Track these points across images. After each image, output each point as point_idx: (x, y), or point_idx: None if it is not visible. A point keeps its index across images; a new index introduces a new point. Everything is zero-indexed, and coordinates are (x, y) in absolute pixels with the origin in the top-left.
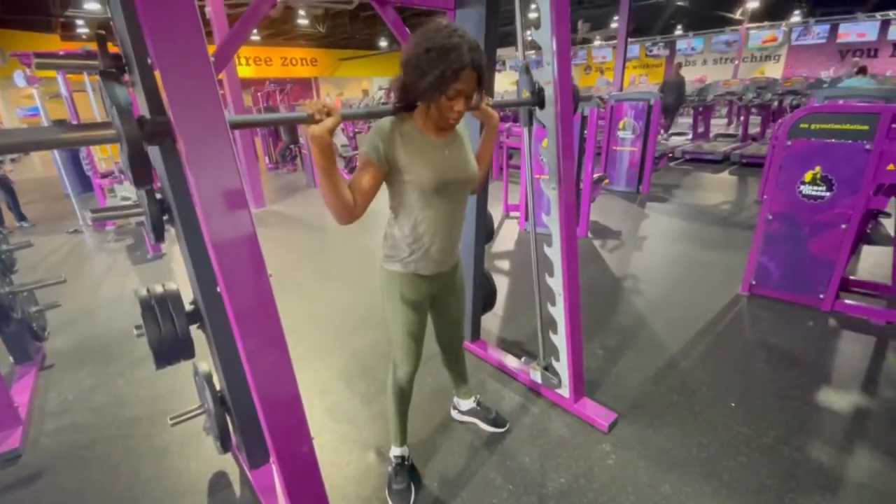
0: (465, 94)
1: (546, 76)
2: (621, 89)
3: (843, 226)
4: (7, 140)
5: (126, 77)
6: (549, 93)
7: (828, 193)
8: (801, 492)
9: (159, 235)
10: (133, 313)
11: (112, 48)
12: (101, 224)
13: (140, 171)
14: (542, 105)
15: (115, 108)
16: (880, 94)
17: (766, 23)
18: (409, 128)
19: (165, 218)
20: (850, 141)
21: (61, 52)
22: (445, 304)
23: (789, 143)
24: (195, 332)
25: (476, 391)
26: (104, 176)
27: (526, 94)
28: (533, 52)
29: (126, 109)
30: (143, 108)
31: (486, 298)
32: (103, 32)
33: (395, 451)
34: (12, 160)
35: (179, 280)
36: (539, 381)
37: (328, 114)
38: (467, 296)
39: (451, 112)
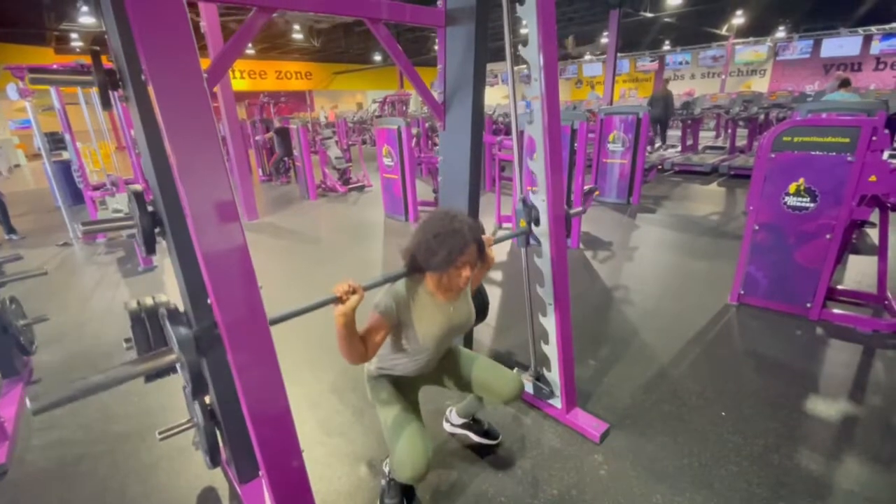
0: (470, 263)
1: (534, 91)
2: (611, 103)
3: (828, 236)
4: (92, 384)
5: (120, 92)
6: (537, 108)
7: (812, 204)
8: (791, 499)
9: (150, 248)
10: (123, 326)
11: (106, 62)
12: (91, 236)
13: (199, 385)
14: (537, 224)
15: (177, 344)
16: (862, 108)
17: (751, 38)
18: (420, 291)
19: (157, 230)
20: (832, 153)
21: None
22: (454, 367)
23: (773, 155)
24: None
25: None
26: (96, 188)
27: (523, 224)
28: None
29: (187, 344)
30: (136, 124)
31: (478, 310)
32: (98, 48)
33: (388, 465)
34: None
35: (170, 293)
36: (531, 391)
37: (353, 292)
38: None
39: (460, 279)
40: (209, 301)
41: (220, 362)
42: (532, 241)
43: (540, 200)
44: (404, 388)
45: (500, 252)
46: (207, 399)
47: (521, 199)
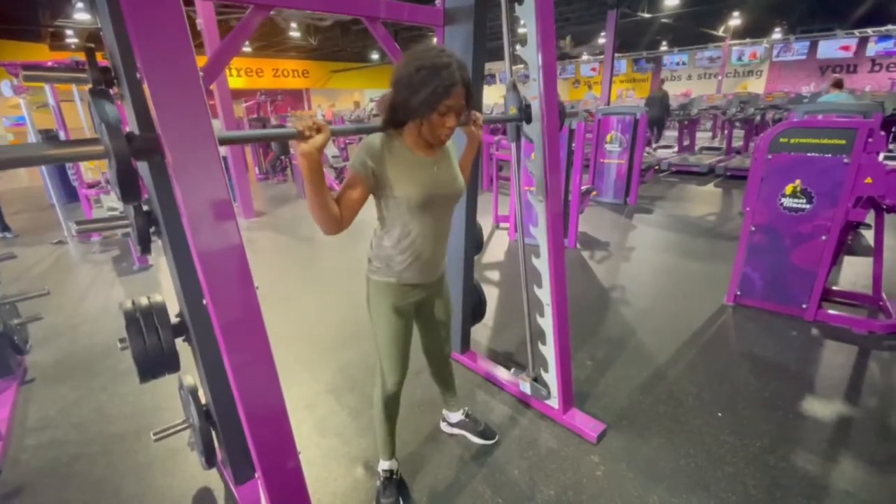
0: (455, 110)
1: (532, 91)
2: (608, 103)
3: (824, 237)
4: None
5: (115, 90)
6: (536, 108)
7: (808, 206)
8: (787, 501)
9: (146, 247)
10: (118, 326)
11: (101, 59)
12: (86, 235)
13: (129, 188)
14: (528, 120)
15: (103, 125)
16: (858, 109)
17: (747, 39)
18: (398, 145)
19: (152, 230)
20: (828, 155)
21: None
22: (432, 314)
23: (769, 156)
24: (180, 345)
25: (465, 403)
26: (91, 186)
27: (513, 111)
28: (522, 65)
29: (114, 126)
30: (131, 121)
31: (475, 309)
32: (92, 45)
33: (384, 465)
34: None
35: (166, 292)
36: (528, 392)
37: (318, 130)
38: (457, 307)
39: (442, 128)
40: (205, 301)
41: (214, 361)
42: (529, 239)
43: (538, 201)
44: (397, 301)
45: (497, 252)
46: (202, 398)
47: (511, 83)
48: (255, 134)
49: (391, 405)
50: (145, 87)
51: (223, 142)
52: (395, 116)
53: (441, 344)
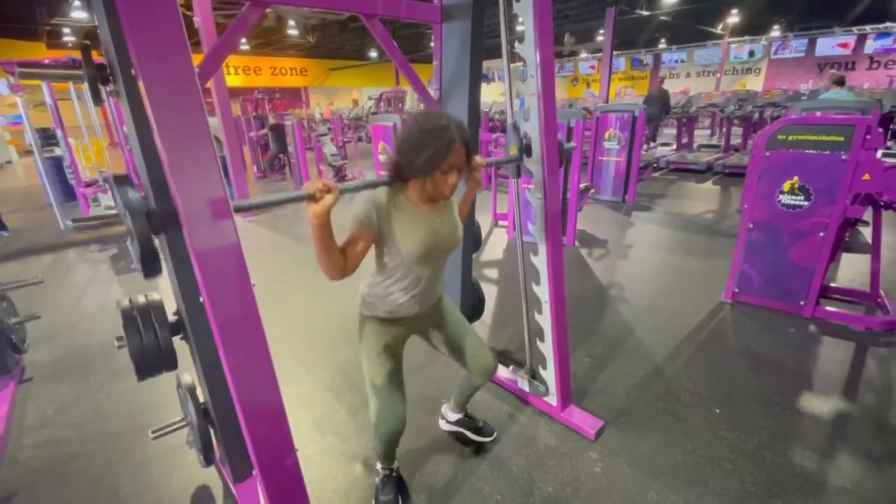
0: (456, 167)
1: (530, 88)
2: (607, 101)
3: (822, 234)
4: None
5: (111, 87)
6: (533, 106)
7: (806, 203)
8: (785, 497)
9: None
10: (115, 325)
11: (97, 57)
12: None
13: (150, 264)
14: (528, 154)
15: (127, 212)
16: (856, 106)
17: (746, 37)
18: (402, 199)
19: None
20: (826, 152)
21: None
22: (443, 329)
23: (767, 153)
24: (178, 344)
25: None
26: (88, 185)
27: (514, 150)
28: (521, 63)
29: (138, 211)
30: (127, 120)
31: (474, 307)
32: (88, 42)
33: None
34: None
35: (163, 291)
36: (527, 389)
37: (328, 192)
38: (456, 304)
39: (445, 185)
40: (202, 299)
41: (212, 360)
42: (527, 237)
43: (536, 198)
44: (392, 340)
45: (495, 250)
46: (200, 396)
47: (512, 124)
48: (271, 200)
49: (389, 445)
50: (140, 84)
51: (238, 209)
52: (401, 175)
53: (479, 350)
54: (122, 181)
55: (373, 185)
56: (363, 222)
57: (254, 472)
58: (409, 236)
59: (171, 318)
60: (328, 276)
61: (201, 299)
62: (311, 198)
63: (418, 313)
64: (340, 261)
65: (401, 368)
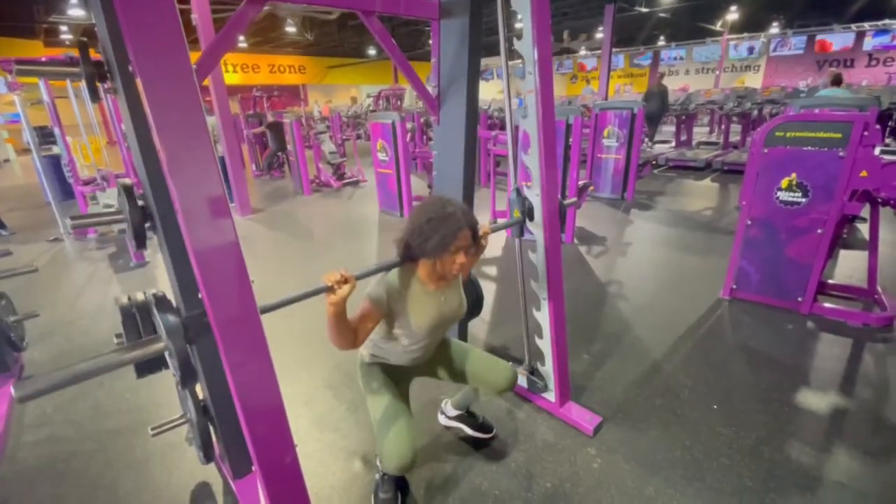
0: (464, 248)
1: (528, 85)
2: (606, 98)
3: (819, 231)
4: (78, 371)
5: (108, 84)
6: (531, 102)
7: (804, 199)
8: (782, 492)
9: (141, 243)
10: (114, 323)
11: (95, 55)
12: (82, 232)
13: (188, 374)
14: (531, 219)
15: (167, 334)
16: (854, 103)
17: (745, 34)
18: (412, 281)
19: (147, 225)
20: (824, 148)
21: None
22: (448, 362)
23: (766, 150)
24: None
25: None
26: (86, 183)
27: (517, 214)
28: (519, 60)
29: (176, 332)
30: (125, 117)
31: (472, 304)
32: (85, 39)
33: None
34: None
35: (162, 288)
36: (525, 385)
37: (345, 282)
38: None
39: (454, 265)
40: (200, 296)
41: (212, 357)
42: (526, 234)
43: (534, 195)
44: (396, 379)
45: (494, 247)
46: (200, 393)
47: (515, 190)
48: (294, 297)
49: (398, 474)
50: (138, 81)
51: (264, 311)
52: (411, 255)
53: (496, 368)
54: (161, 305)
55: (386, 268)
56: (374, 303)
57: (253, 469)
58: (418, 315)
59: None
60: (338, 348)
61: (200, 296)
62: (330, 290)
63: (421, 364)
64: (351, 336)
65: (407, 408)
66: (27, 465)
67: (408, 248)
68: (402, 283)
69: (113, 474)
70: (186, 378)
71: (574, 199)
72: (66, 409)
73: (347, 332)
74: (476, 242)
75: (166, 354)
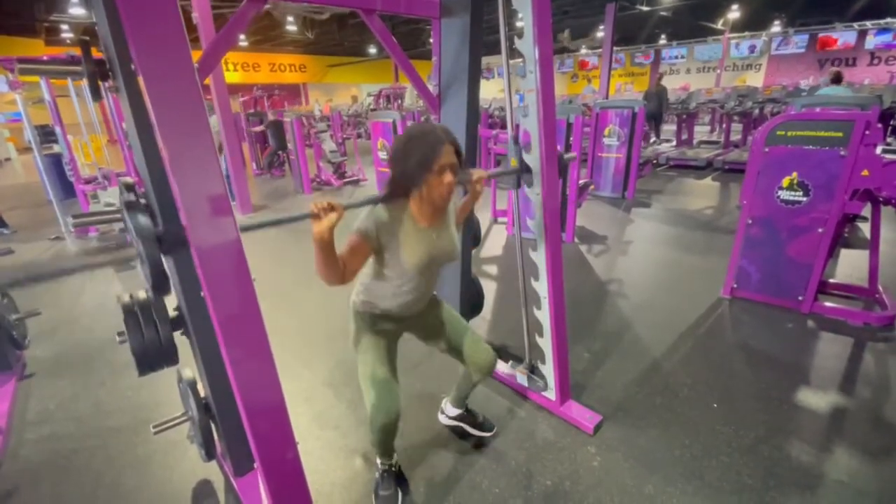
0: (448, 166)
1: (529, 84)
2: (607, 97)
3: (820, 230)
4: None
5: (110, 82)
6: (532, 100)
7: (805, 198)
8: (782, 490)
9: None
10: (115, 321)
11: (96, 53)
12: (83, 230)
13: (160, 281)
14: (528, 172)
15: (139, 238)
16: (856, 102)
17: (746, 33)
18: (403, 215)
19: None
20: (825, 147)
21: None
22: (438, 325)
23: (767, 149)
24: (179, 339)
25: None
26: (87, 182)
27: (514, 162)
28: (520, 59)
29: (148, 237)
30: (126, 115)
31: (473, 303)
32: (87, 38)
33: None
34: None
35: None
36: (525, 384)
37: (331, 210)
38: (455, 301)
39: (441, 186)
40: (202, 294)
41: (214, 355)
42: (526, 233)
43: (535, 194)
44: (386, 333)
45: (495, 247)
46: (201, 391)
47: (513, 137)
48: (277, 219)
49: (386, 437)
50: (140, 79)
51: (244, 230)
52: (398, 188)
53: (478, 349)
54: (132, 206)
55: (375, 201)
56: (363, 236)
57: (255, 466)
58: (407, 251)
59: (172, 313)
60: (326, 282)
61: (202, 294)
62: (316, 216)
63: (411, 314)
64: (339, 270)
65: (394, 363)
66: (29, 461)
67: (395, 181)
68: (391, 216)
69: (115, 472)
70: (158, 287)
71: (573, 154)
72: (68, 407)
73: (335, 264)
74: (460, 161)
75: (139, 264)
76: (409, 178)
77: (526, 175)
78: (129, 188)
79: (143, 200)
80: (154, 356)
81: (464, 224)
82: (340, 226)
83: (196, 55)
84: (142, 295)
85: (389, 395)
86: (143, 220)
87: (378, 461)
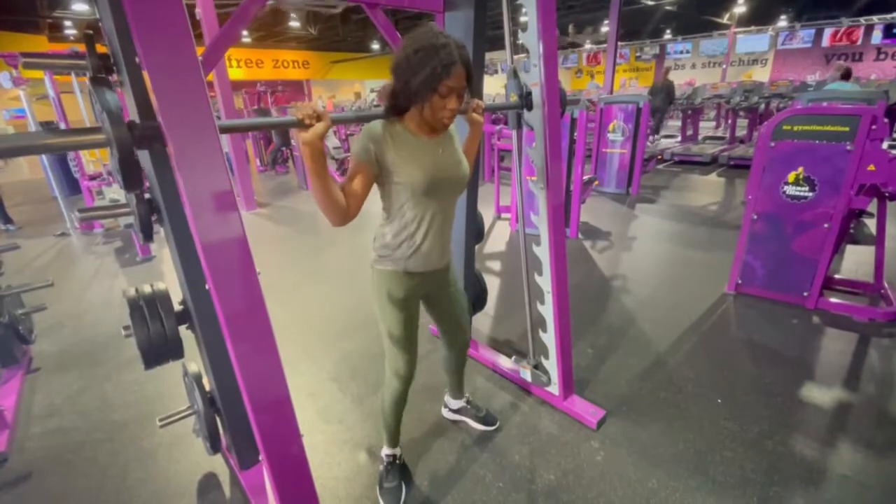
0: (456, 90)
1: (533, 78)
2: (611, 92)
3: (826, 225)
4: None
5: (114, 77)
6: (537, 95)
7: (811, 194)
8: (785, 485)
9: (148, 236)
10: (121, 316)
11: (100, 48)
12: (89, 226)
13: (131, 176)
14: (529, 107)
15: (105, 114)
16: (862, 97)
17: (752, 27)
18: (400, 129)
19: (154, 218)
20: (832, 142)
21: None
22: (442, 303)
23: (772, 144)
24: (184, 333)
25: (467, 390)
26: (92, 178)
27: (514, 98)
28: (524, 55)
29: (116, 114)
30: (131, 109)
31: (476, 298)
32: (91, 32)
33: (387, 451)
34: None
35: (169, 283)
36: (529, 379)
37: (318, 118)
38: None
39: (444, 110)
40: (207, 286)
41: (219, 349)
42: (530, 228)
43: (539, 189)
44: (405, 291)
45: (498, 243)
46: (207, 385)
47: (512, 70)
48: (255, 122)
49: (400, 398)
50: (145, 73)
51: (224, 130)
52: (397, 103)
53: (458, 333)
54: (99, 82)
55: (368, 117)
56: (359, 155)
57: (260, 460)
58: (411, 165)
59: (177, 307)
60: (330, 219)
61: (206, 286)
62: (301, 123)
63: (429, 269)
64: (340, 198)
65: (416, 321)
66: (36, 455)
67: (394, 97)
68: (388, 131)
69: (121, 465)
70: (129, 183)
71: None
72: (75, 401)
73: (335, 191)
74: (470, 85)
75: (110, 155)
76: (412, 95)
77: (527, 111)
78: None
79: (147, 196)
80: (159, 350)
81: (472, 171)
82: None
83: (200, 52)
84: (147, 289)
85: (409, 349)
86: (112, 97)
87: (383, 453)
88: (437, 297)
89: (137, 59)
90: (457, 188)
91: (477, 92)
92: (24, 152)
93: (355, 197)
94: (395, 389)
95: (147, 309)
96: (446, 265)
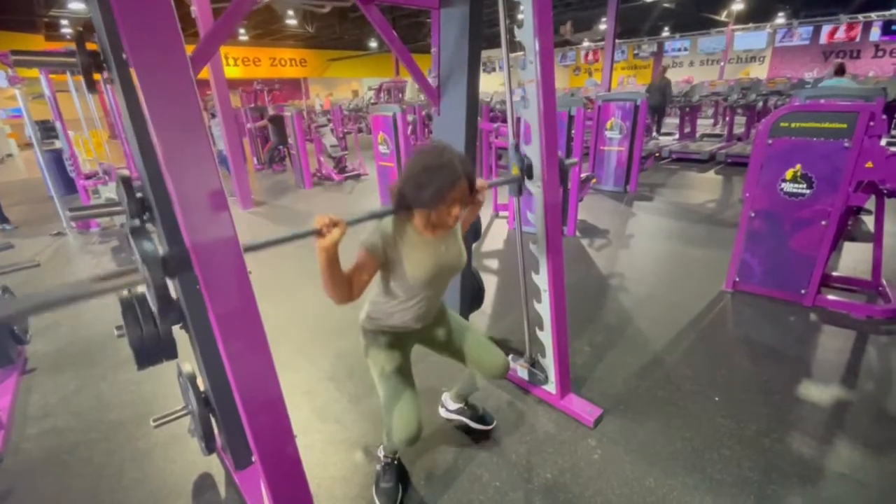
0: (460, 200)
1: (529, 75)
2: (609, 90)
3: (824, 222)
4: (46, 300)
5: (105, 74)
6: (532, 91)
7: (808, 191)
8: (783, 483)
9: None
10: (116, 316)
11: (91, 45)
12: (85, 225)
13: (166, 308)
14: (530, 176)
15: (144, 264)
16: (860, 94)
17: (750, 24)
18: (408, 229)
19: (146, 216)
20: (829, 139)
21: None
22: (447, 334)
23: (770, 141)
24: (178, 333)
25: None
26: (88, 177)
27: (516, 170)
28: (521, 52)
29: (153, 261)
30: (122, 108)
31: (474, 297)
32: (81, 29)
33: (384, 450)
34: None
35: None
36: (526, 378)
37: (334, 225)
38: (455, 295)
39: (449, 217)
40: (198, 287)
41: (213, 349)
42: (527, 226)
43: (535, 186)
44: (398, 348)
45: (496, 241)
46: (201, 385)
47: (514, 146)
48: (280, 238)
49: (408, 447)
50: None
51: (248, 250)
52: (405, 205)
53: (490, 351)
54: (137, 232)
55: (379, 216)
56: (369, 251)
57: (254, 460)
58: (415, 264)
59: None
60: (335, 301)
61: (197, 287)
62: (319, 233)
63: (419, 327)
64: (346, 288)
65: (411, 378)
66: (31, 455)
67: (402, 197)
68: (397, 230)
69: (116, 465)
70: (164, 316)
71: (575, 159)
72: (70, 401)
73: (342, 282)
74: (472, 193)
75: (145, 288)
76: (419, 205)
77: (527, 184)
78: (126, 182)
79: (139, 195)
80: (153, 350)
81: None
82: (344, 240)
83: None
84: (140, 289)
85: (411, 411)
86: (149, 246)
87: (381, 454)
88: (439, 336)
89: (125, 55)
90: (454, 273)
91: (473, 92)
92: (72, 302)
93: (360, 284)
94: (400, 447)
95: (140, 309)
96: (437, 312)
